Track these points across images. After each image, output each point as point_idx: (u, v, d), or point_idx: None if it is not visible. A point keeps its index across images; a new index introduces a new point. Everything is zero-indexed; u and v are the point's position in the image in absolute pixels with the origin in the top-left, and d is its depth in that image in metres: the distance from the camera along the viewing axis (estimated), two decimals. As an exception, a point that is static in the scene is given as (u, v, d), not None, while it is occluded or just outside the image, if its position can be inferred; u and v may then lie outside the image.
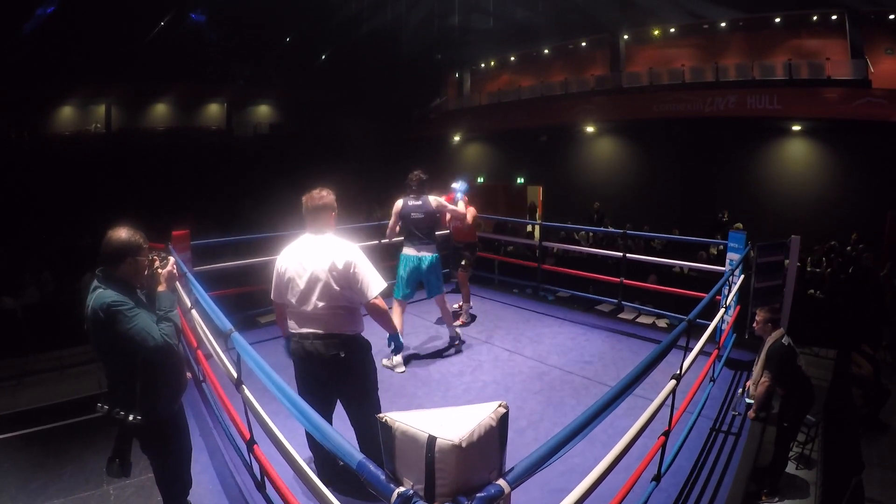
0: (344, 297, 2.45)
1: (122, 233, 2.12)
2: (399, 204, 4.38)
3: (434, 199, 4.39)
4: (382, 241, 4.75)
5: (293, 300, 2.51)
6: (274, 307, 2.74)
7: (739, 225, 10.35)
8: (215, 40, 18.66)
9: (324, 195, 2.59)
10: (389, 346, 2.86)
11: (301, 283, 2.47)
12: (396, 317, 4.32)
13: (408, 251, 4.41)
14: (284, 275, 2.54)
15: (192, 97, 20.33)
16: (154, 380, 2.12)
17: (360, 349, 2.56)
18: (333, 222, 2.62)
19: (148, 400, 2.10)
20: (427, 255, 4.36)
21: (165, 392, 2.22)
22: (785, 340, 3.66)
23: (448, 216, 4.77)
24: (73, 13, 15.31)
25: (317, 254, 2.48)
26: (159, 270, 2.26)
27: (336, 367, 2.47)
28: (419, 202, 4.32)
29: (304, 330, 2.49)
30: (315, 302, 2.44)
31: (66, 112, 18.57)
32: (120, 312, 1.99)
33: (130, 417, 2.05)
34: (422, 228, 4.34)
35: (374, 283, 2.48)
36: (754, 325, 3.92)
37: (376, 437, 1.37)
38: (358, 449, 1.45)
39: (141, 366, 2.06)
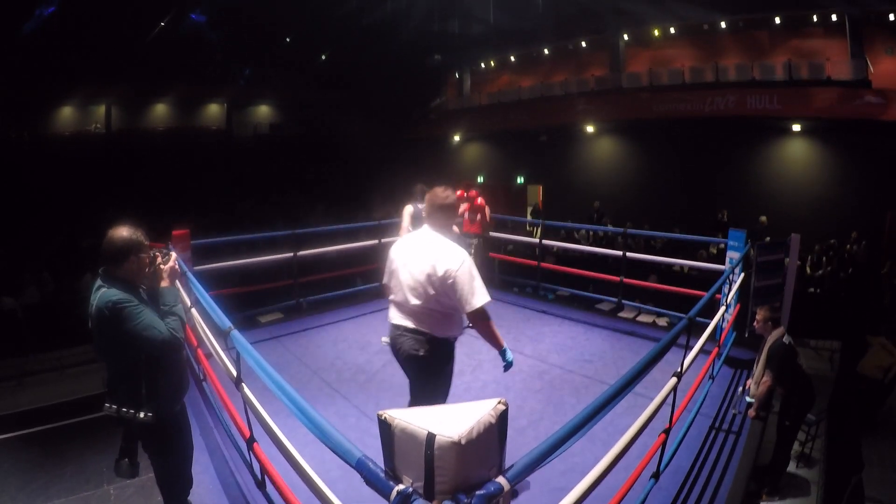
0: (439, 301, 2.41)
1: (124, 231, 2.12)
2: (411, 208, 4.84)
3: None
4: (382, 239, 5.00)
5: (394, 291, 2.54)
6: (382, 289, 2.74)
7: (763, 218, 10.42)
8: (215, 40, 18.65)
9: (448, 195, 2.53)
10: (504, 361, 2.59)
11: (402, 278, 2.49)
12: None
13: None
14: (392, 264, 2.58)
15: (192, 97, 20.30)
16: (157, 378, 2.12)
17: (441, 353, 2.51)
18: (453, 222, 2.59)
19: (151, 398, 2.10)
20: None
21: (168, 391, 2.22)
22: (785, 339, 3.66)
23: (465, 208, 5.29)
24: (73, 13, 15.30)
25: (423, 253, 2.45)
26: (162, 266, 2.26)
27: (412, 361, 2.49)
28: None
29: (399, 322, 2.52)
30: (411, 299, 2.45)
31: (66, 112, 18.54)
32: (125, 309, 2.00)
33: (141, 415, 2.04)
34: None
35: (476, 294, 2.37)
36: (754, 323, 3.92)
37: None
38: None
39: (145, 363, 2.06)
